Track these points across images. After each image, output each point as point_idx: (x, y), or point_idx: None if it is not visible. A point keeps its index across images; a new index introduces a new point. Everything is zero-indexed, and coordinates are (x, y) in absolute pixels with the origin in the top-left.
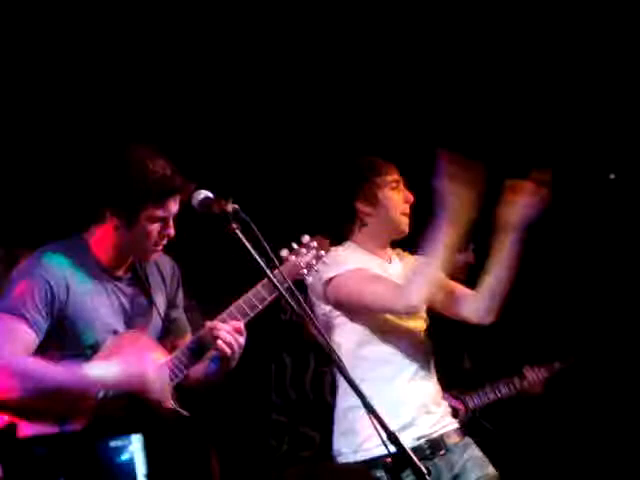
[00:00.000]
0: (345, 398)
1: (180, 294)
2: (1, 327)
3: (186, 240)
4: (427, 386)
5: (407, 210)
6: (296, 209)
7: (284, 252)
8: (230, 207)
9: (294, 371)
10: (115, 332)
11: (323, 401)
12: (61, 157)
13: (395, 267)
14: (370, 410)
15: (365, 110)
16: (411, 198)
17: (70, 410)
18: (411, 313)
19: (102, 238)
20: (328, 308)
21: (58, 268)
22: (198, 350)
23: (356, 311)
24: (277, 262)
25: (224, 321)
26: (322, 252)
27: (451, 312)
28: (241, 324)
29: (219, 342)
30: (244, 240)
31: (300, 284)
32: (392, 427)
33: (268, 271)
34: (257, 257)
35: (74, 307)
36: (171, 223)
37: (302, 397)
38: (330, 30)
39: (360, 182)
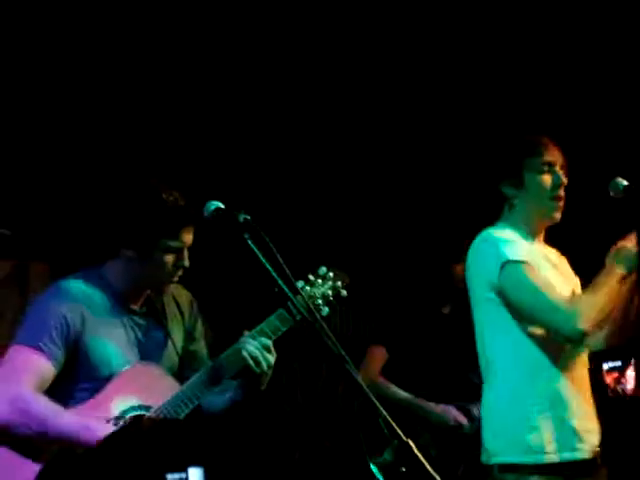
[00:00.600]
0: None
1: (199, 327)
2: (19, 358)
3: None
4: None
5: (558, 195)
6: (319, 238)
7: (300, 282)
8: (242, 217)
9: (304, 380)
10: (130, 363)
11: (336, 409)
12: (75, 176)
13: (551, 253)
14: (382, 417)
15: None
16: (563, 181)
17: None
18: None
19: (117, 270)
20: (492, 296)
21: (74, 299)
22: (214, 376)
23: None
24: (294, 282)
25: (253, 338)
26: (339, 283)
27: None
28: (269, 342)
29: (247, 357)
30: (257, 252)
31: None
32: None
33: (290, 294)
34: (268, 265)
35: (89, 339)
36: (185, 254)
37: (313, 406)
38: (340, 32)
39: (506, 163)
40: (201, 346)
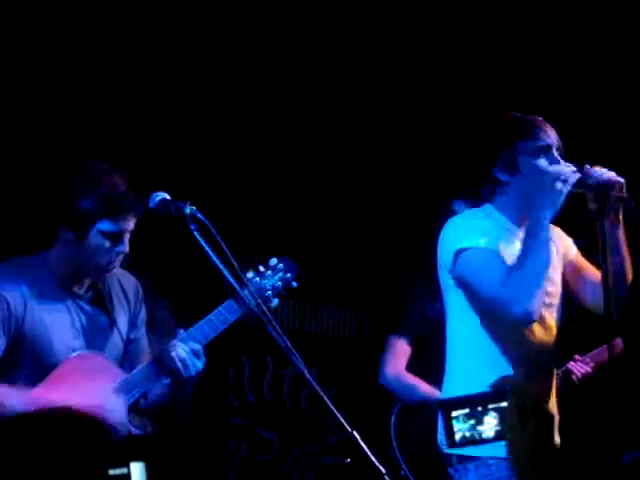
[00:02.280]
0: None
1: (142, 314)
2: None
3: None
4: None
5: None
6: (268, 229)
7: (250, 273)
8: (188, 209)
9: (252, 373)
10: (74, 351)
11: (281, 404)
12: (19, 168)
13: None
14: (329, 410)
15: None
16: (559, 164)
17: None
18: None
19: (59, 254)
20: (451, 282)
21: (15, 285)
22: (157, 369)
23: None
24: (242, 275)
25: (183, 341)
26: (289, 275)
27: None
28: (199, 347)
29: (176, 361)
30: (203, 243)
31: None
32: None
33: (237, 287)
34: (214, 258)
35: (32, 325)
36: (125, 239)
37: (260, 400)
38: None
39: (499, 146)
40: (142, 333)
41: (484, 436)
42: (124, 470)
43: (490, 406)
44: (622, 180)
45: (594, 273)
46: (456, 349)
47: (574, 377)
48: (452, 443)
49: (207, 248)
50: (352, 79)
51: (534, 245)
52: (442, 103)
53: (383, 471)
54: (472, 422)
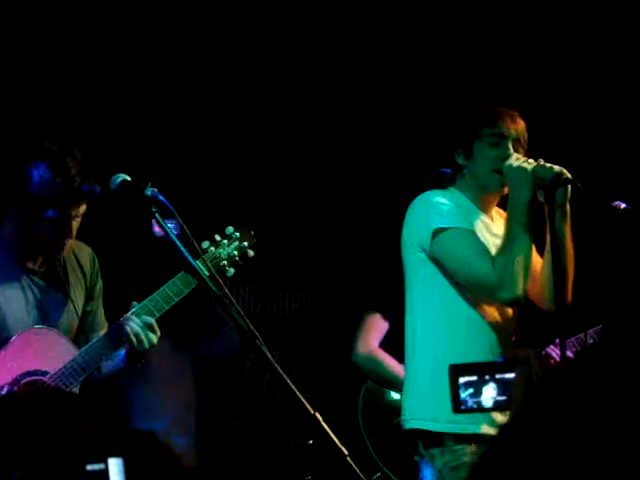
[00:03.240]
0: None
1: (98, 286)
2: None
3: (106, 227)
4: None
5: (500, 169)
6: (224, 198)
7: (205, 243)
8: (149, 191)
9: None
10: (28, 326)
11: (243, 387)
12: None
13: (498, 226)
14: (291, 392)
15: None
16: (508, 155)
17: None
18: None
19: (10, 230)
20: (423, 256)
21: None
22: (111, 343)
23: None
24: (200, 252)
25: (137, 315)
26: (245, 244)
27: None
28: (153, 320)
29: (130, 334)
30: (164, 225)
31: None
32: None
33: (192, 260)
34: (180, 246)
35: None
36: (73, 224)
37: (222, 383)
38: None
39: (460, 132)
40: (98, 304)
41: (486, 405)
42: (102, 466)
43: (497, 376)
44: (567, 174)
45: (536, 264)
46: (418, 326)
47: (552, 361)
48: (457, 408)
49: (168, 229)
50: (335, 69)
51: (517, 229)
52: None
53: (345, 452)
54: (477, 389)
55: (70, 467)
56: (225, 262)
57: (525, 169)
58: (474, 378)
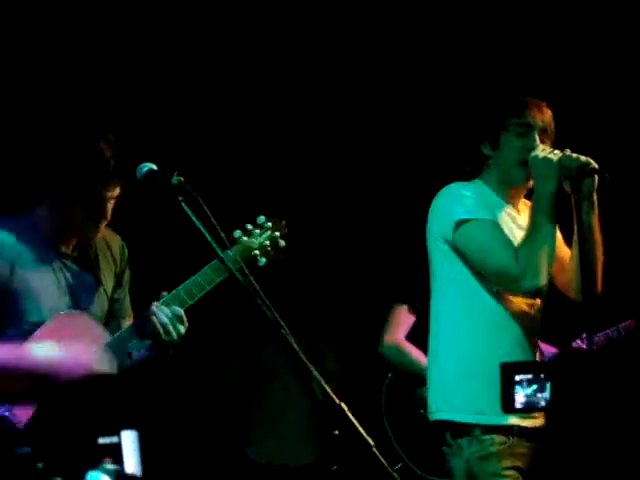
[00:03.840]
0: None
1: (127, 274)
2: None
3: (138, 218)
4: None
5: (525, 160)
6: (256, 188)
7: (237, 232)
8: (175, 179)
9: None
10: (60, 310)
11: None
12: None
13: (525, 218)
14: (316, 381)
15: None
16: (534, 145)
17: (10, 392)
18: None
19: (43, 216)
20: (446, 248)
21: (1, 245)
22: (139, 332)
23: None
24: (227, 241)
25: (167, 305)
26: (277, 234)
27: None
28: (181, 311)
29: (157, 325)
30: (190, 214)
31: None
32: None
33: (218, 250)
34: (207, 235)
35: (18, 283)
36: (107, 207)
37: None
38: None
39: (487, 123)
40: (125, 293)
41: (539, 404)
42: (114, 439)
43: (550, 374)
44: (593, 164)
45: (565, 255)
46: (442, 317)
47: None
48: (510, 408)
49: (194, 218)
50: (344, 65)
51: (542, 220)
52: (442, 97)
53: (371, 443)
54: (534, 388)
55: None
56: (257, 252)
57: (550, 160)
58: (529, 377)
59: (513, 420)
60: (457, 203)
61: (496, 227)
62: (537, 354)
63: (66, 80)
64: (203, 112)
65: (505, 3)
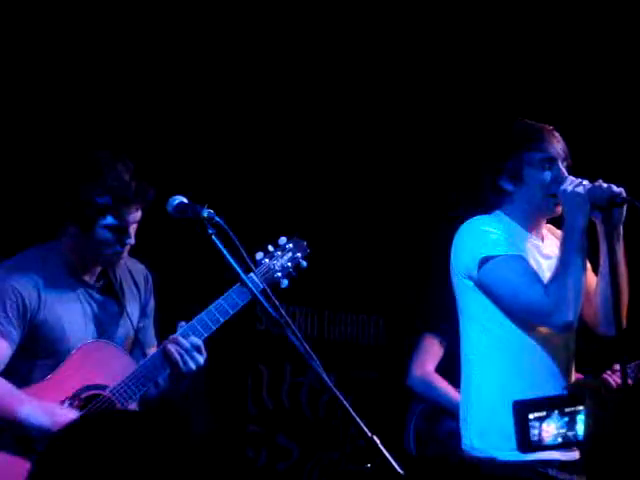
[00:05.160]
0: None
1: (151, 303)
2: None
3: (161, 245)
4: None
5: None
6: (278, 207)
7: (259, 255)
8: (205, 212)
9: (270, 381)
10: (87, 340)
11: (300, 411)
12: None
13: (549, 246)
14: (349, 416)
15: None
16: (563, 177)
17: None
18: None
19: (68, 245)
20: (471, 284)
21: (28, 276)
22: (161, 362)
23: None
24: (252, 266)
25: (186, 336)
26: (298, 254)
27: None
28: (200, 342)
29: (174, 355)
30: (220, 247)
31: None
32: None
33: (242, 275)
34: (232, 262)
35: (46, 315)
36: (130, 231)
37: (279, 408)
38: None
39: (504, 157)
40: (150, 322)
41: (555, 442)
42: None
43: (567, 409)
44: (625, 194)
45: (590, 287)
46: (474, 353)
47: (609, 387)
48: (527, 447)
49: (225, 252)
50: (360, 86)
51: (572, 255)
52: (450, 109)
53: (403, 474)
54: (546, 425)
55: None
56: (279, 274)
57: (580, 194)
58: (543, 414)
59: (549, 454)
60: (480, 239)
61: (522, 261)
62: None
63: (86, 107)
64: (220, 131)
65: (513, 25)
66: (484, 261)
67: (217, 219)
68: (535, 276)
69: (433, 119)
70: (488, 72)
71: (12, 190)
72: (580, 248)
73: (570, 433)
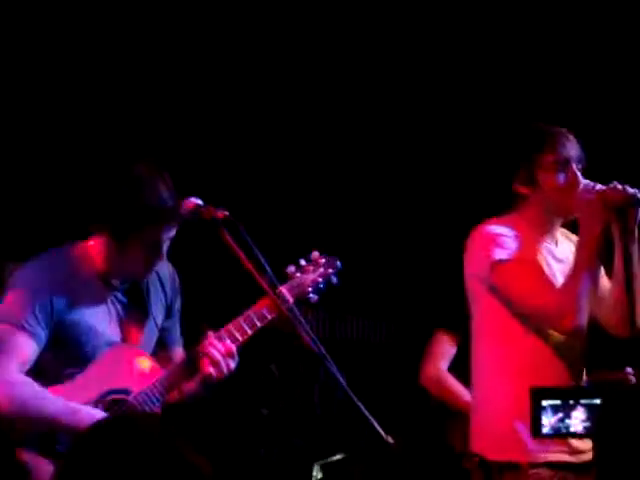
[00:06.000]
0: None
1: (178, 303)
2: (1, 338)
3: (188, 252)
4: None
5: (575, 193)
6: (312, 222)
7: (291, 268)
8: (221, 214)
9: (283, 382)
10: (112, 342)
11: (312, 412)
12: (55, 167)
13: (563, 250)
14: (362, 415)
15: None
16: (579, 179)
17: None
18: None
19: (97, 249)
20: (484, 288)
21: (56, 277)
22: (190, 367)
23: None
24: (274, 277)
25: (220, 339)
26: (330, 270)
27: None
28: (233, 347)
29: (207, 360)
30: (236, 248)
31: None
32: None
33: (269, 289)
34: (253, 271)
35: (73, 317)
36: (164, 248)
37: (291, 408)
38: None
39: (519, 161)
40: (175, 322)
41: (572, 430)
42: None
43: (582, 401)
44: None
45: (604, 289)
46: (486, 357)
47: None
48: (537, 432)
49: (239, 252)
50: (370, 95)
51: (586, 261)
52: (464, 113)
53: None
54: (561, 414)
55: None
56: (310, 289)
57: (595, 201)
58: (558, 402)
59: (559, 456)
60: (492, 243)
61: (534, 265)
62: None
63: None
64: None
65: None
66: (496, 265)
67: (234, 221)
68: (547, 280)
69: (445, 121)
70: (503, 76)
71: (47, 188)
72: (595, 255)
73: (584, 424)
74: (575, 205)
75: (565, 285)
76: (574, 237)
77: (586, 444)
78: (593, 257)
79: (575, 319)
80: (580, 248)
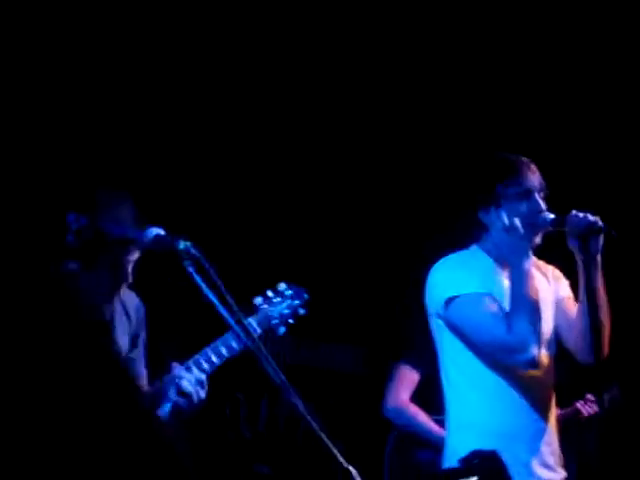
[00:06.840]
0: None
1: (142, 336)
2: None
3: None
4: None
5: (535, 222)
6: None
7: (258, 300)
8: (182, 244)
9: (248, 410)
10: None
11: (277, 440)
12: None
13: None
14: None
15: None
16: (542, 208)
17: None
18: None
19: (73, 275)
20: (442, 323)
21: None
22: (158, 398)
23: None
24: (237, 310)
25: (189, 369)
26: (297, 302)
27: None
28: (204, 377)
29: (179, 392)
30: (198, 280)
31: None
32: None
33: (232, 321)
34: (216, 303)
35: None
36: (128, 270)
37: (256, 436)
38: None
39: (482, 191)
40: (138, 352)
41: None
42: None
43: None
44: (601, 223)
45: (575, 317)
46: (452, 391)
47: (581, 417)
48: None
49: (201, 283)
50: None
51: (521, 292)
52: (428, 144)
53: None
54: None
55: None
56: (277, 321)
57: (517, 236)
58: None
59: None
60: (447, 279)
61: (487, 299)
62: (551, 418)
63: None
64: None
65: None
66: (449, 301)
67: (195, 252)
68: (499, 314)
69: (410, 153)
70: (464, 107)
71: None
72: (528, 287)
73: None
74: (505, 245)
75: (510, 318)
76: (541, 263)
77: (559, 475)
78: (527, 288)
79: (527, 352)
80: (514, 284)
